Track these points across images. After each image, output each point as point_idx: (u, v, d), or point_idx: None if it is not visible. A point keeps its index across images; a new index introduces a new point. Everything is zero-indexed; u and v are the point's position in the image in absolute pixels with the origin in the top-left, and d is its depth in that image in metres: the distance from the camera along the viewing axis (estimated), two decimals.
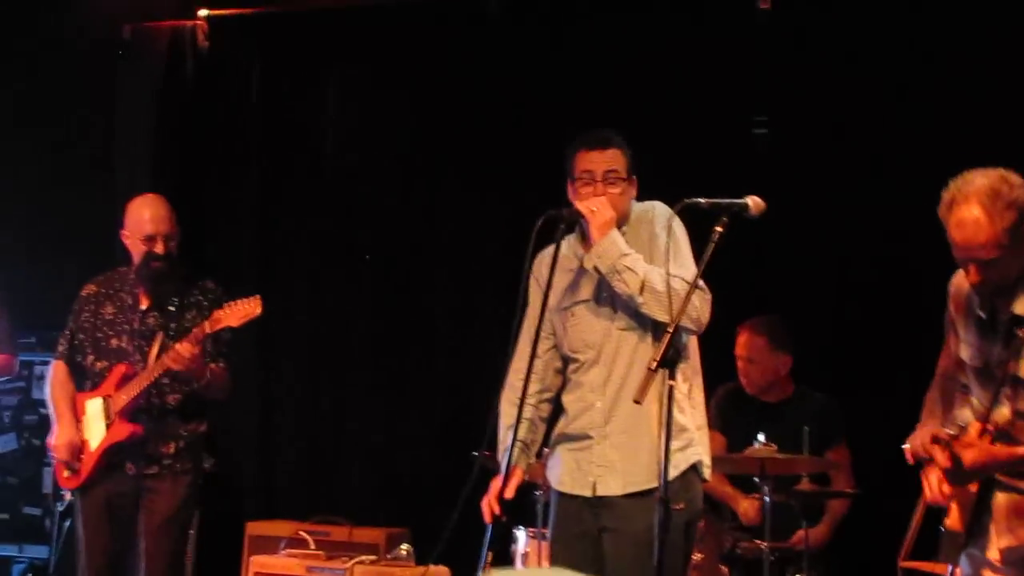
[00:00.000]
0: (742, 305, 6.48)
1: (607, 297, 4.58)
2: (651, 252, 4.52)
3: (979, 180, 3.85)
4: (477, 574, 4.52)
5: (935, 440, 3.98)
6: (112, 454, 5.57)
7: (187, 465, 5.65)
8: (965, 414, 4.18)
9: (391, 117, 7.59)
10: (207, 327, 5.37)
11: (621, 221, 4.60)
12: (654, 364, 3.96)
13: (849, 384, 6.44)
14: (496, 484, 4.59)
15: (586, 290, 4.65)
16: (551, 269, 4.59)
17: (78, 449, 5.60)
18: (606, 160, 4.60)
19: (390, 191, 7.64)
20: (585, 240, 4.61)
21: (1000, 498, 4.04)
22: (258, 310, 5.38)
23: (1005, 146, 5.16)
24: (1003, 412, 3.97)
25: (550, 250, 4.64)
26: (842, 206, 6.57)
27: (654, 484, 4.32)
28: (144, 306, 5.68)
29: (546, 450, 4.84)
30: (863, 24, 6.68)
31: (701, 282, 4.33)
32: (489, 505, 4.58)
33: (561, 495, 4.68)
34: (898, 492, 4.98)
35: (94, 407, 5.62)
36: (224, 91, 7.88)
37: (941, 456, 3.93)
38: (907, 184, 6.22)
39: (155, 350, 5.55)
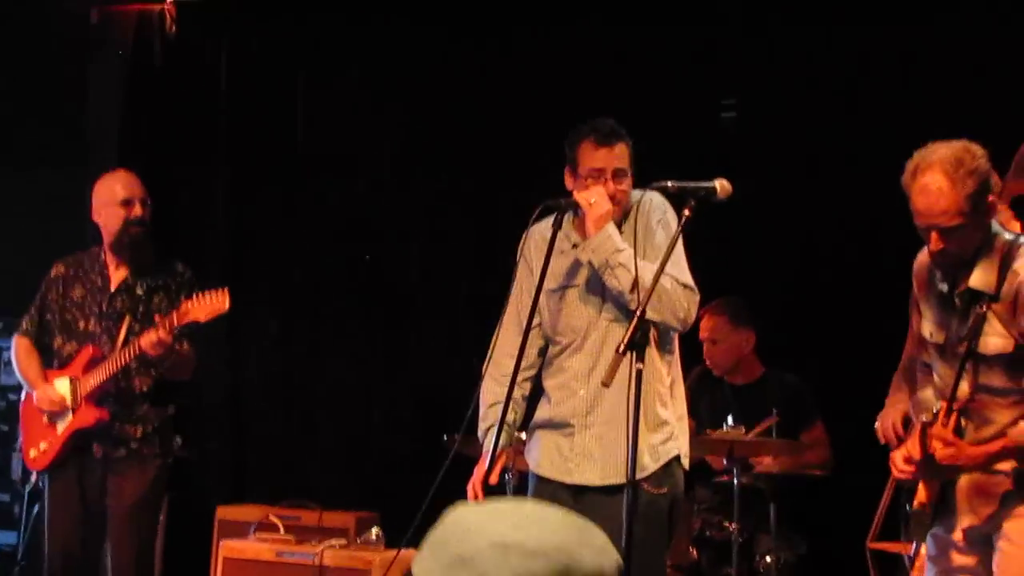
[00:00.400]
0: (711, 287, 6.46)
1: (598, 286, 4.54)
2: (645, 244, 4.48)
3: (942, 149, 3.90)
4: None
5: (907, 425, 3.97)
6: (78, 437, 5.52)
7: (155, 449, 5.60)
8: (927, 394, 4.22)
9: (359, 101, 7.55)
10: (175, 319, 5.31)
11: (621, 214, 4.55)
12: (622, 347, 3.92)
13: (818, 364, 6.41)
14: (481, 468, 4.55)
15: (578, 276, 4.61)
16: (548, 250, 4.52)
17: (62, 401, 5.53)
18: (616, 157, 4.52)
19: (360, 174, 7.61)
20: (581, 225, 4.58)
21: (964, 478, 4.06)
22: (226, 305, 5.33)
23: (968, 130, 5.17)
24: (963, 388, 4.00)
25: (541, 230, 4.62)
26: (808, 188, 6.57)
27: (636, 476, 4.29)
28: (115, 285, 5.64)
29: (518, 434, 4.80)
30: (828, 11, 6.66)
31: (692, 282, 4.36)
32: (474, 489, 4.55)
33: (539, 478, 4.66)
34: (866, 471, 4.95)
35: (62, 386, 5.57)
36: (192, 76, 7.81)
37: (915, 449, 3.95)
38: (871, 167, 6.19)
39: (123, 333, 5.51)
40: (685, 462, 4.61)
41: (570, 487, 4.57)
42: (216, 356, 7.25)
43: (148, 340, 5.30)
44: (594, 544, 1.81)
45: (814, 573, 6.09)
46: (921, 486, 4.13)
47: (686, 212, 4.07)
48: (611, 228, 4.45)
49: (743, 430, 5.66)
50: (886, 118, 6.35)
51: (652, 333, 4.45)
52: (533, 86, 6.93)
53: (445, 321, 7.17)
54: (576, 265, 4.60)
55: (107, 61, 7.81)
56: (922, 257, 4.12)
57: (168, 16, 7.72)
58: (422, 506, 4.43)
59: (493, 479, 4.53)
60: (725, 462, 5.74)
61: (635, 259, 4.38)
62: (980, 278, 3.94)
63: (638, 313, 4.00)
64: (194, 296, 5.37)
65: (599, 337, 4.55)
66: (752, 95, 6.81)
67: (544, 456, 4.64)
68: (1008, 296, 3.90)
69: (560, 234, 4.56)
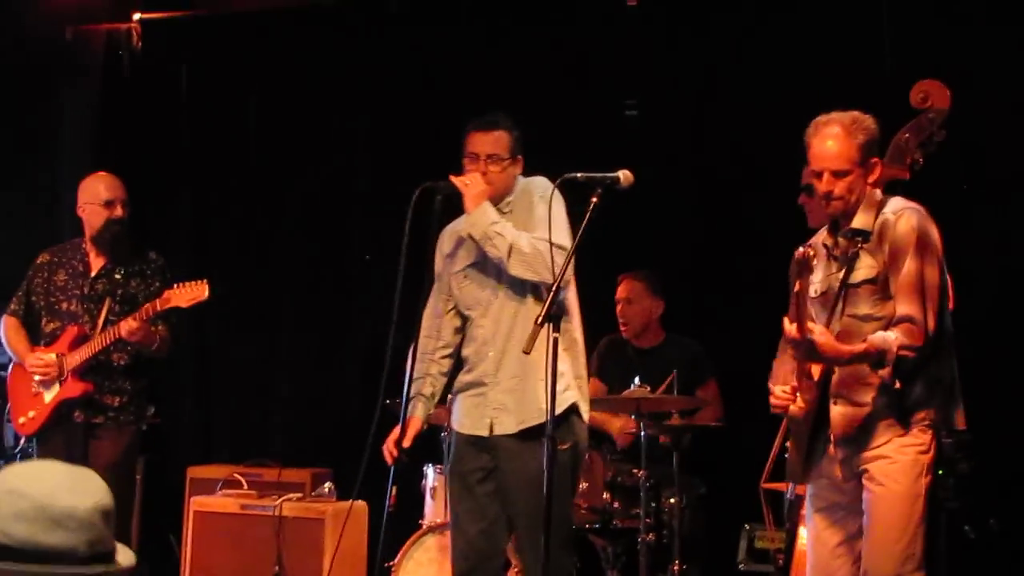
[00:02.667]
0: (617, 264, 6.52)
1: (491, 260, 4.57)
2: (528, 220, 4.55)
3: (839, 112, 4.07)
4: (385, 507, 4.50)
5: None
6: (64, 406, 5.52)
7: (131, 416, 5.61)
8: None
9: (308, 107, 7.53)
10: (157, 305, 5.35)
11: (504, 195, 4.64)
12: (540, 319, 3.94)
13: (714, 330, 6.47)
14: (395, 432, 4.59)
15: (476, 254, 4.65)
16: (451, 241, 4.63)
17: (53, 364, 5.51)
18: (490, 142, 4.62)
19: (312, 171, 7.58)
20: None
21: (836, 410, 4.08)
22: (205, 294, 5.36)
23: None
24: (836, 326, 4.03)
25: (452, 226, 4.72)
26: (702, 178, 6.62)
27: (542, 420, 4.34)
28: (95, 271, 5.63)
29: (450, 396, 4.85)
30: (722, 18, 6.73)
31: (560, 241, 4.37)
32: (388, 450, 4.59)
33: (460, 435, 4.69)
34: (759, 424, 5.00)
35: (49, 359, 5.54)
36: (157, 88, 7.75)
37: (792, 328, 3.89)
38: (756, 157, 6.30)
39: (103, 314, 5.53)
40: (585, 416, 4.63)
41: (487, 439, 4.59)
42: (186, 334, 7.23)
43: (127, 327, 5.34)
44: (78, 488, 2.09)
45: (712, 511, 6.15)
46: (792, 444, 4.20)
47: (594, 199, 4.08)
48: (486, 204, 4.52)
49: (648, 389, 5.70)
50: (767, 115, 6.40)
51: (544, 295, 4.46)
52: (461, 88, 6.95)
53: (388, 298, 7.17)
54: (470, 246, 4.64)
55: (80, 72, 7.75)
56: (799, 251, 4.08)
57: (135, 33, 7.67)
58: (364, 462, 4.57)
59: (406, 443, 4.57)
60: (633, 418, 5.77)
61: (511, 228, 4.46)
62: (860, 220, 4.03)
63: (553, 288, 4.03)
64: (176, 285, 5.40)
65: (499, 304, 4.60)
66: (652, 95, 6.84)
67: (464, 415, 4.68)
68: (877, 231, 3.99)
69: (459, 224, 4.65)
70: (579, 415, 4.58)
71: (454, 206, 4.62)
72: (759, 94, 6.54)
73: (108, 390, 5.55)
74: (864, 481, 4.06)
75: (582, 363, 4.70)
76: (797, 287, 3.87)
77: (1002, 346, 5.85)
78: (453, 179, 4.55)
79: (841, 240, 4.11)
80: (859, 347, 3.90)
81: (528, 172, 4.71)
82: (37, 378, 5.57)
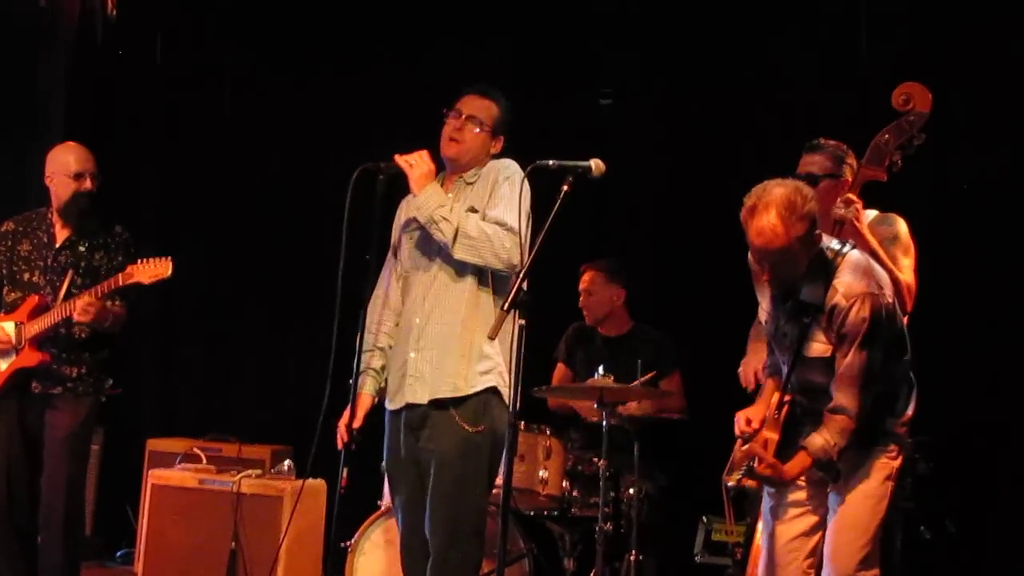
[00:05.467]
0: (587, 252, 6.51)
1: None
2: (491, 195, 4.49)
3: (777, 191, 3.91)
4: (337, 489, 4.46)
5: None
6: (19, 375, 5.45)
7: (89, 388, 5.53)
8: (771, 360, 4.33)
9: (283, 80, 7.49)
10: (120, 280, 5.29)
11: (470, 162, 4.57)
12: (506, 305, 3.89)
13: (681, 322, 6.46)
14: (346, 414, 4.54)
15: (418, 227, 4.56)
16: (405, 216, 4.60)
17: (7, 339, 5.44)
18: (479, 107, 4.57)
19: (282, 147, 7.56)
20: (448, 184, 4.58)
21: (809, 429, 4.10)
22: (168, 271, 5.28)
23: (825, 122, 5.25)
24: (794, 379, 4.11)
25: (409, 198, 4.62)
26: (674, 167, 6.62)
27: (453, 395, 4.38)
28: (59, 243, 5.56)
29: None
30: (699, 8, 6.72)
31: (518, 226, 4.32)
32: (340, 432, 4.53)
33: (390, 414, 4.61)
34: (723, 417, 5.01)
35: (8, 328, 5.48)
36: (131, 56, 7.69)
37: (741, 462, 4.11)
38: (726, 149, 6.30)
39: (65, 286, 5.47)
40: (507, 401, 4.47)
41: (408, 412, 4.50)
42: (150, 308, 7.20)
43: (80, 305, 5.28)
44: None
45: (672, 503, 6.15)
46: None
47: (565, 187, 4.04)
48: (432, 187, 4.44)
49: (611, 378, 5.69)
50: (741, 106, 6.45)
51: (489, 279, 4.47)
52: (439, 76, 6.87)
53: (350, 282, 7.16)
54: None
55: (53, 38, 7.64)
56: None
57: (109, 1, 7.58)
58: (315, 441, 4.56)
59: (356, 423, 4.52)
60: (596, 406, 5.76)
61: (458, 211, 4.40)
62: (809, 292, 4.01)
63: (521, 274, 3.98)
64: (139, 261, 5.33)
65: (432, 273, 4.50)
66: (626, 86, 6.83)
67: (392, 389, 4.58)
68: (828, 310, 3.97)
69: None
70: (500, 399, 4.46)
71: (398, 188, 4.55)
72: (733, 85, 6.55)
73: (66, 361, 5.48)
74: (833, 496, 4.14)
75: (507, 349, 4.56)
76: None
77: (962, 350, 5.87)
78: (397, 159, 4.48)
79: (790, 302, 4.10)
80: (806, 462, 3.99)
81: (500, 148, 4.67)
82: None
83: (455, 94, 4.68)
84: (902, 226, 4.54)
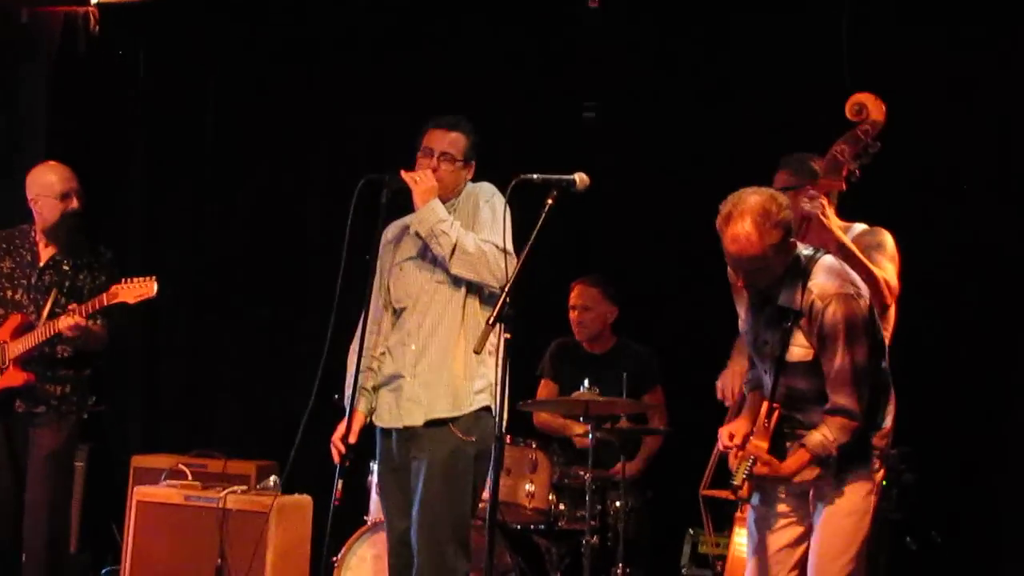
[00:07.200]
0: (571, 267, 6.52)
1: (431, 255, 4.58)
2: (474, 221, 4.58)
3: (752, 199, 3.93)
4: (331, 501, 4.47)
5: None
6: (3, 396, 5.46)
7: (72, 407, 5.56)
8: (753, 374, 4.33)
9: (266, 95, 7.48)
10: (104, 299, 5.31)
11: (451, 195, 4.65)
12: (491, 319, 3.93)
13: (665, 337, 6.47)
14: (340, 428, 4.58)
15: (415, 248, 4.66)
16: (397, 236, 4.68)
17: None
18: (448, 141, 4.65)
19: (265, 164, 7.54)
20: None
21: (794, 447, 4.11)
22: (153, 291, 5.33)
23: (790, 135, 5.26)
24: (780, 389, 4.09)
25: (398, 220, 4.72)
26: (659, 182, 6.62)
27: (450, 415, 4.49)
28: (43, 262, 5.56)
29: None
30: (683, 20, 6.73)
31: (508, 246, 4.38)
32: (335, 446, 4.58)
33: (381, 431, 4.70)
34: (703, 430, 5.01)
35: None
36: (114, 73, 7.66)
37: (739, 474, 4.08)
38: (713, 162, 6.31)
39: (49, 305, 5.47)
40: (497, 417, 4.50)
41: (401, 430, 4.60)
42: (133, 324, 7.17)
43: (66, 323, 5.29)
44: None
45: (657, 515, 6.15)
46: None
47: (549, 200, 4.06)
48: (435, 202, 4.53)
49: (597, 391, 5.69)
50: (727, 119, 6.46)
51: (483, 298, 4.56)
52: (423, 90, 6.90)
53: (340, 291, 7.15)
54: (412, 240, 4.65)
55: (35, 56, 7.63)
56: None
57: (92, 17, 7.58)
58: (291, 456, 4.68)
59: (352, 438, 4.56)
60: (582, 419, 5.75)
61: (458, 227, 4.48)
62: (786, 297, 4.01)
63: (507, 288, 4.00)
64: (124, 280, 5.35)
65: (428, 298, 4.60)
66: (610, 98, 6.83)
67: (383, 409, 4.68)
68: (806, 311, 3.98)
69: (406, 218, 4.66)
70: (490, 415, 4.52)
71: (402, 201, 4.60)
72: (718, 98, 6.56)
73: (50, 379, 5.50)
74: (813, 496, 4.13)
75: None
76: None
77: (947, 359, 5.89)
78: (404, 174, 4.56)
79: (768, 308, 4.10)
80: (804, 458, 4.00)
81: (486, 172, 4.72)
82: None
83: (437, 109, 4.71)
84: (888, 238, 4.56)
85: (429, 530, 4.46)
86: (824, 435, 3.96)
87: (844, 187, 4.45)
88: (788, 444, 4.10)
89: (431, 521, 4.46)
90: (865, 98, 4.43)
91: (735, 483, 4.10)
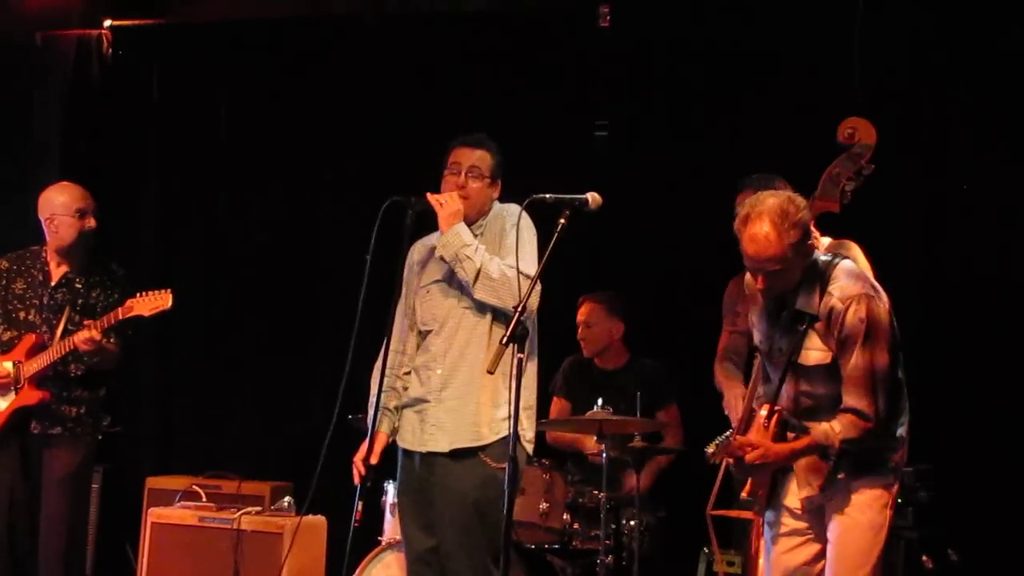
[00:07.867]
0: (584, 284, 6.52)
1: (457, 280, 4.54)
2: (500, 245, 4.52)
3: (770, 200, 3.94)
4: (351, 523, 4.46)
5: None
6: (19, 415, 5.46)
7: (87, 427, 5.56)
8: (765, 387, 4.29)
9: (277, 117, 7.50)
10: (120, 313, 5.31)
11: (477, 215, 4.60)
12: (505, 339, 3.94)
13: (677, 353, 6.45)
14: (362, 449, 4.54)
15: (439, 271, 4.62)
16: (421, 258, 4.64)
17: (7, 374, 5.45)
18: (474, 157, 4.60)
19: (278, 183, 7.56)
20: None
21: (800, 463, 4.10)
22: (168, 303, 5.33)
23: (788, 155, 5.27)
24: (786, 393, 4.08)
25: (425, 239, 4.68)
26: (671, 198, 6.63)
27: (476, 443, 4.44)
28: (55, 280, 5.58)
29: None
30: (693, 40, 6.76)
31: (527, 271, 4.34)
32: (356, 466, 4.54)
33: (404, 452, 4.65)
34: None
35: (6, 366, 5.49)
36: (127, 95, 7.71)
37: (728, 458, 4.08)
38: (725, 177, 6.30)
39: (62, 324, 5.48)
40: (528, 446, 4.56)
41: (424, 455, 4.55)
42: (146, 349, 7.20)
43: (81, 337, 5.29)
44: None
45: (671, 534, 6.13)
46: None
47: (562, 220, 4.07)
48: (460, 226, 4.47)
49: (611, 410, 5.69)
50: (737, 136, 6.46)
51: (504, 323, 4.45)
52: (436, 109, 6.93)
53: (354, 311, 7.16)
54: (439, 263, 4.60)
55: (49, 79, 7.68)
56: (750, 278, 4.16)
57: (105, 40, 7.63)
58: (315, 477, 4.61)
59: (373, 459, 4.53)
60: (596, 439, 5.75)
61: (482, 253, 4.43)
62: (803, 302, 4.01)
63: (519, 308, 4.00)
64: (139, 294, 5.36)
65: (455, 323, 4.55)
66: (622, 118, 6.84)
67: (406, 430, 4.63)
68: (825, 315, 3.97)
69: (432, 240, 4.62)
70: (521, 444, 4.47)
71: (426, 222, 4.58)
72: (730, 116, 6.57)
73: (65, 400, 5.50)
74: (829, 510, 4.10)
75: (533, 392, 4.60)
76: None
77: (962, 377, 5.88)
78: (429, 197, 4.50)
79: (784, 314, 4.10)
80: (802, 443, 3.99)
81: (502, 192, 4.69)
82: None
83: (449, 128, 4.71)
84: (857, 251, 4.55)
85: (468, 557, 4.41)
86: (831, 426, 3.94)
87: (838, 209, 4.45)
88: (790, 435, 4.09)
89: (469, 550, 4.42)
90: (856, 122, 4.46)
91: (709, 450, 4.09)
